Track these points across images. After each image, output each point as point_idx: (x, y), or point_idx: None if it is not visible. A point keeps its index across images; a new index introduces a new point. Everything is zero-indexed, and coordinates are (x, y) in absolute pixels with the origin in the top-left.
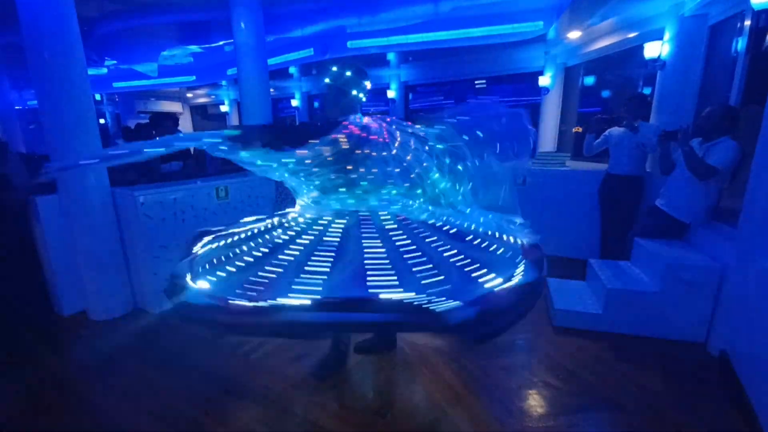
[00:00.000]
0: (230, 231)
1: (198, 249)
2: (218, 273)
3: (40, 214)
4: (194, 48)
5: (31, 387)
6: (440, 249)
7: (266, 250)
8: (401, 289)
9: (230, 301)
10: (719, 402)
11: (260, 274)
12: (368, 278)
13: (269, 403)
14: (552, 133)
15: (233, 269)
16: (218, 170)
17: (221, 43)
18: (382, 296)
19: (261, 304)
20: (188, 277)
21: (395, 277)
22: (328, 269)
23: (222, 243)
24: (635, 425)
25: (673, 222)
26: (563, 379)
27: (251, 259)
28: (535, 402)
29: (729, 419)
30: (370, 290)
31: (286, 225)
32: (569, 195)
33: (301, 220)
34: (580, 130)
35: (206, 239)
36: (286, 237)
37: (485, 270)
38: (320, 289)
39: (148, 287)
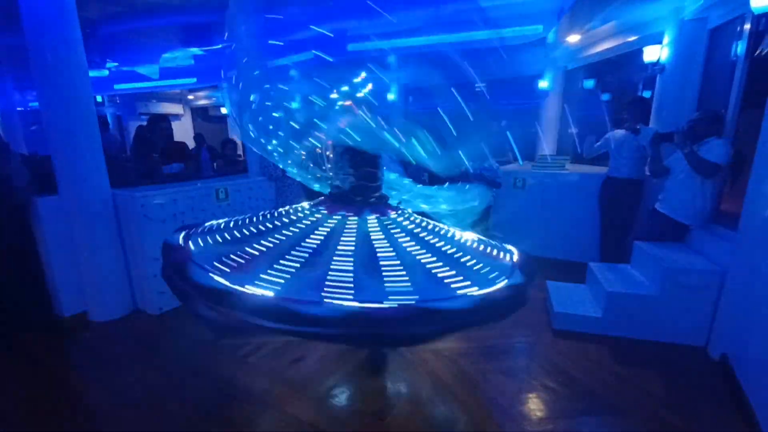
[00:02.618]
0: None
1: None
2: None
3: (41, 215)
4: (195, 50)
5: (31, 388)
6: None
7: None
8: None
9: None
10: (720, 406)
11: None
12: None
13: (269, 406)
14: (552, 136)
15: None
16: (219, 172)
17: (222, 45)
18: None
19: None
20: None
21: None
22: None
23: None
24: (635, 429)
25: (673, 224)
26: (563, 383)
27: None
28: (534, 406)
29: (730, 423)
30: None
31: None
32: (569, 198)
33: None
34: (576, 130)
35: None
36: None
37: (461, 278)
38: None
39: (148, 289)
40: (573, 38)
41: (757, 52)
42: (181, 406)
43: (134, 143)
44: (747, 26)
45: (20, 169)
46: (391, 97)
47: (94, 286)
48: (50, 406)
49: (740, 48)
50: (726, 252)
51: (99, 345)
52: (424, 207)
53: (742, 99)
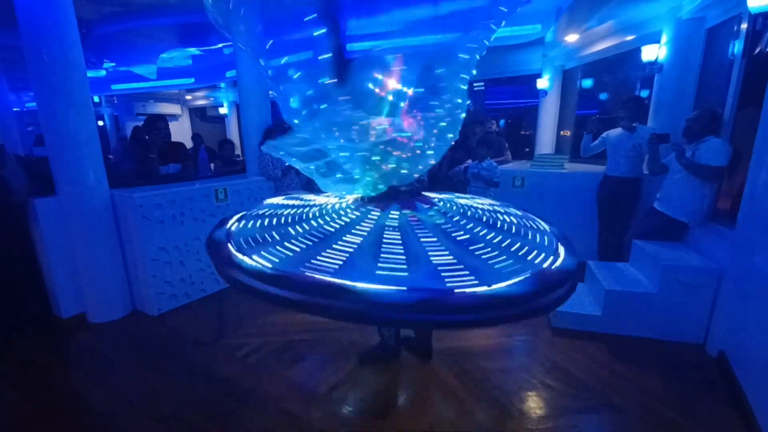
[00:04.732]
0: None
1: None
2: (278, 248)
3: (38, 216)
4: (193, 50)
5: (29, 390)
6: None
7: (322, 236)
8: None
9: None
10: (718, 402)
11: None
12: (442, 274)
13: (269, 406)
14: (550, 135)
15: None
16: (217, 173)
17: (220, 45)
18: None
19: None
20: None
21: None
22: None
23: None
24: (634, 426)
25: (672, 222)
26: (562, 381)
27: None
28: (534, 404)
29: (728, 419)
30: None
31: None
32: (568, 197)
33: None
34: (569, 133)
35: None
36: (342, 223)
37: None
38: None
39: (146, 289)
40: (571, 38)
41: (758, 49)
42: (181, 408)
43: (130, 144)
44: (744, 25)
45: (17, 170)
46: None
47: (93, 287)
48: (49, 407)
49: (737, 47)
50: (723, 250)
51: (98, 347)
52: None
53: (739, 97)
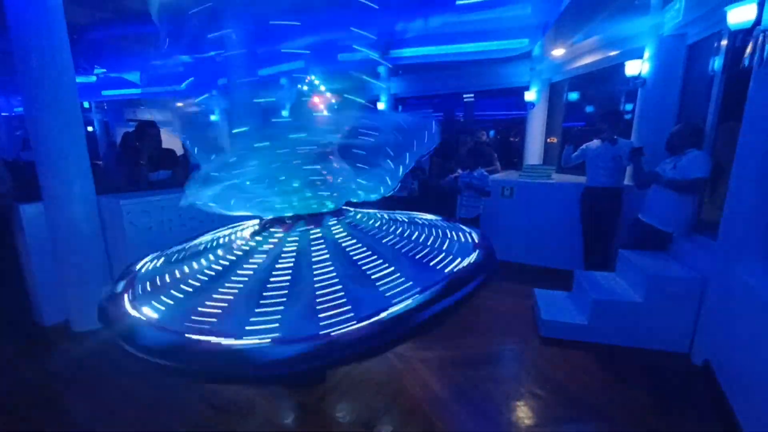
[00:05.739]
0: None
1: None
2: (163, 298)
3: (23, 221)
4: (184, 57)
5: (11, 398)
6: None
7: (213, 273)
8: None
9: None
10: (703, 411)
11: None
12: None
13: (254, 417)
14: (538, 146)
15: (179, 294)
16: None
17: (212, 53)
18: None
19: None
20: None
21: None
22: (283, 302)
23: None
24: None
25: (656, 232)
26: (550, 390)
27: (198, 283)
28: (522, 413)
29: (712, 427)
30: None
31: (235, 242)
32: (555, 207)
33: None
34: (555, 140)
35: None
36: (233, 257)
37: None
38: (277, 326)
39: None
40: (558, 52)
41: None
42: (167, 418)
43: (119, 150)
44: (724, 42)
45: (2, 174)
46: (381, 106)
47: (77, 294)
48: (30, 417)
49: (717, 63)
50: (707, 260)
51: (81, 355)
52: None
53: (719, 111)
